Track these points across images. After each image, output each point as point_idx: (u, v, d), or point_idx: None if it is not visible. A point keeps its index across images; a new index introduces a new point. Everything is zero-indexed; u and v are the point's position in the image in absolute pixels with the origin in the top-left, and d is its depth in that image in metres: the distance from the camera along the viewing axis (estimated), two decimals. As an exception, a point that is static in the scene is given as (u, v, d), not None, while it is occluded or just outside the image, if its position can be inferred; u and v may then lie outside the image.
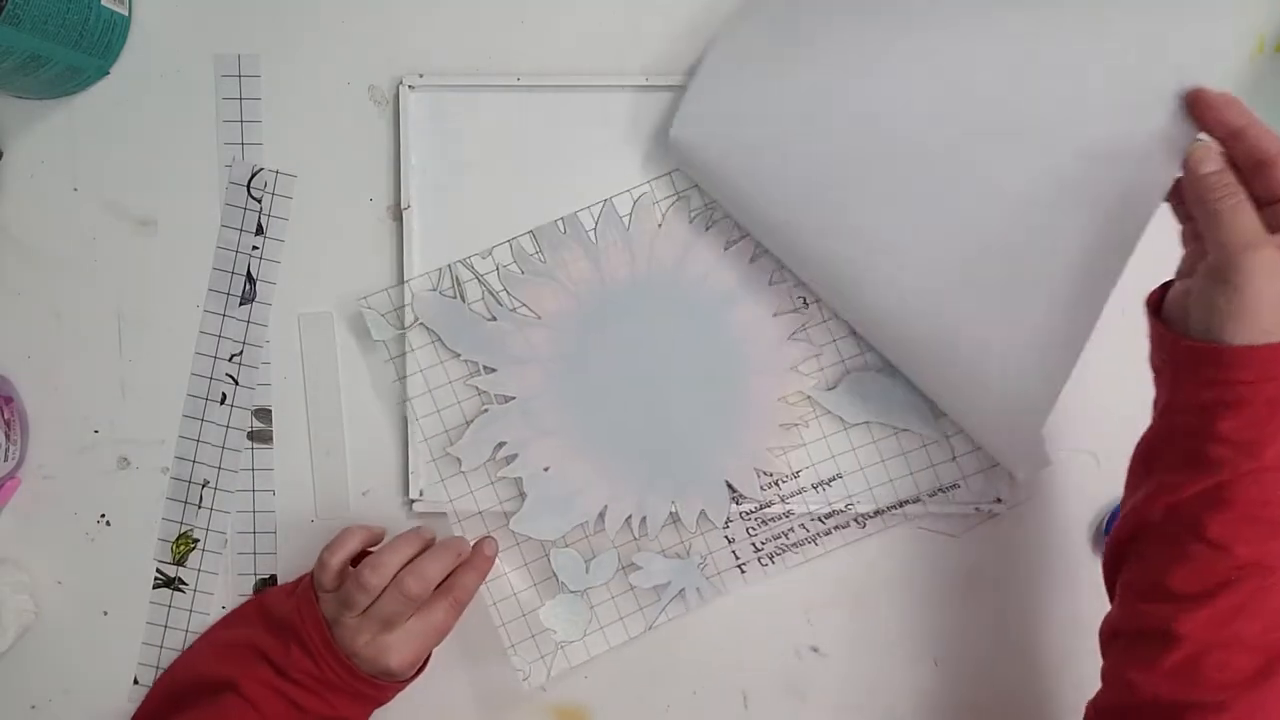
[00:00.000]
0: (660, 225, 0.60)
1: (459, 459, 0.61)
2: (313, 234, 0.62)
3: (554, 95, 0.60)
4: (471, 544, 0.59)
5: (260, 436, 0.63)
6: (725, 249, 0.60)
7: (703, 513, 0.61)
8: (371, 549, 0.58)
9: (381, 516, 0.62)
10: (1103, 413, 0.63)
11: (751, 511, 0.62)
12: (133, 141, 0.61)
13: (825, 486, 0.62)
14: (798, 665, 0.64)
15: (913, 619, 0.64)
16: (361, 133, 0.61)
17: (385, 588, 0.55)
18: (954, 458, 0.62)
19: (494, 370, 0.60)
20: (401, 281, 0.61)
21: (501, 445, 0.61)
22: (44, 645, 0.63)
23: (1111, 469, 0.63)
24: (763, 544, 0.62)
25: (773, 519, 0.62)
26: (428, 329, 0.60)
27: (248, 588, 0.63)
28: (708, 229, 0.60)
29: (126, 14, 0.60)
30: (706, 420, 0.61)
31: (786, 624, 0.64)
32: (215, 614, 0.63)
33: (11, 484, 0.62)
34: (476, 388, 0.61)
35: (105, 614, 0.63)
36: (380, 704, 0.58)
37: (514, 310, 0.60)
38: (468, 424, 0.61)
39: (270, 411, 0.62)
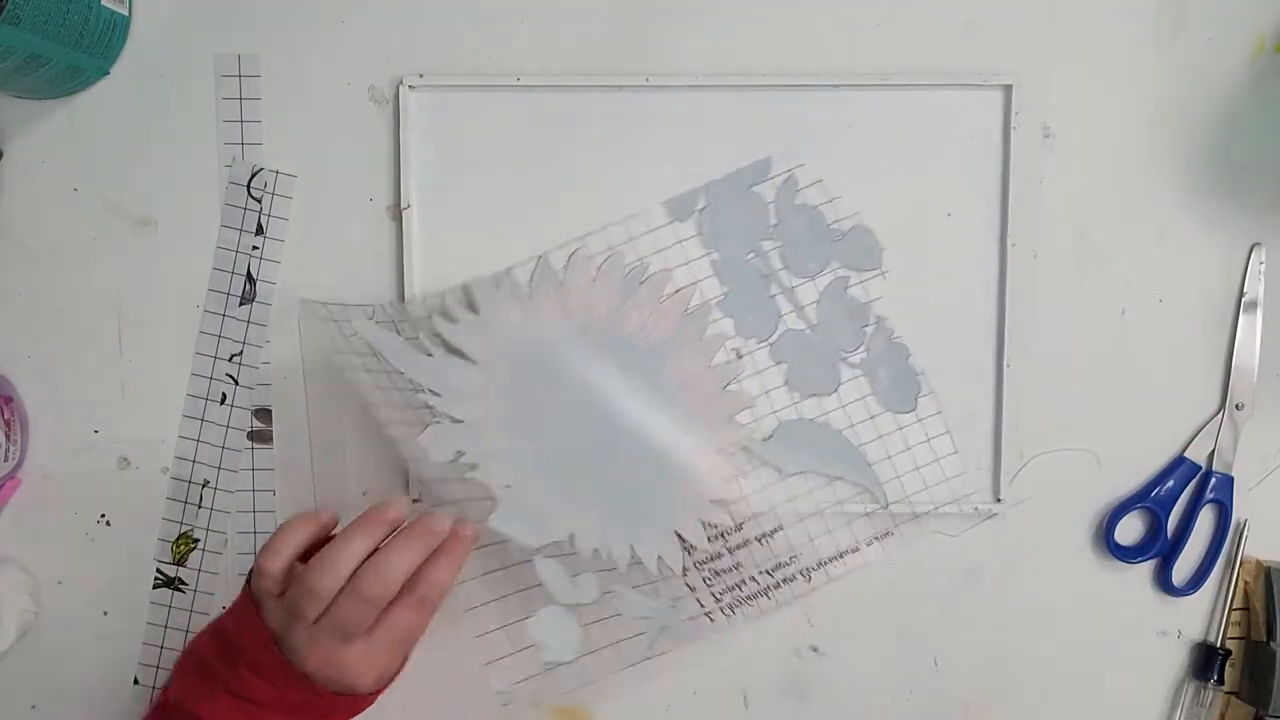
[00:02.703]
0: (595, 279, 0.60)
1: (426, 448, 0.56)
2: (313, 234, 0.61)
3: (554, 95, 0.60)
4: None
5: (260, 436, 0.63)
6: (661, 301, 0.60)
7: (660, 559, 0.59)
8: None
9: (381, 516, 0.62)
10: (1103, 412, 0.63)
11: (704, 562, 0.60)
12: (133, 141, 0.61)
13: (769, 539, 0.61)
14: (798, 665, 0.64)
15: (913, 619, 0.64)
16: (361, 133, 0.61)
17: (340, 590, 0.47)
18: (886, 506, 0.61)
19: (439, 395, 0.57)
20: (401, 285, 0.61)
21: (461, 454, 0.57)
22: (44, 645, 0.63)
23: (1111, 469, 0.63)
24: (720, 595, 0.60)
25: (724, 570, 0.60)
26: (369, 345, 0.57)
27: (248, 588, 0.63)
28: (642, 283, 0.60)
29: (126, 14, 0.60)
30: (651, 469, 0.59)
31: (786, 624, 0.64)
32: (216, 614, 0.63)
33: (11, 484, 0.62)
34: (426, 402, 0.57)
35: (105, 614, 0.63)
36: (358, 713, 0.52)
37: (449, 354, 0.58)
38: (429, 424, 0.57)
39: (270, 411, 0.62)
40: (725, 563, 0.60)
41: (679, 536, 0.59)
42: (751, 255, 0.61)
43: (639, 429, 0.59)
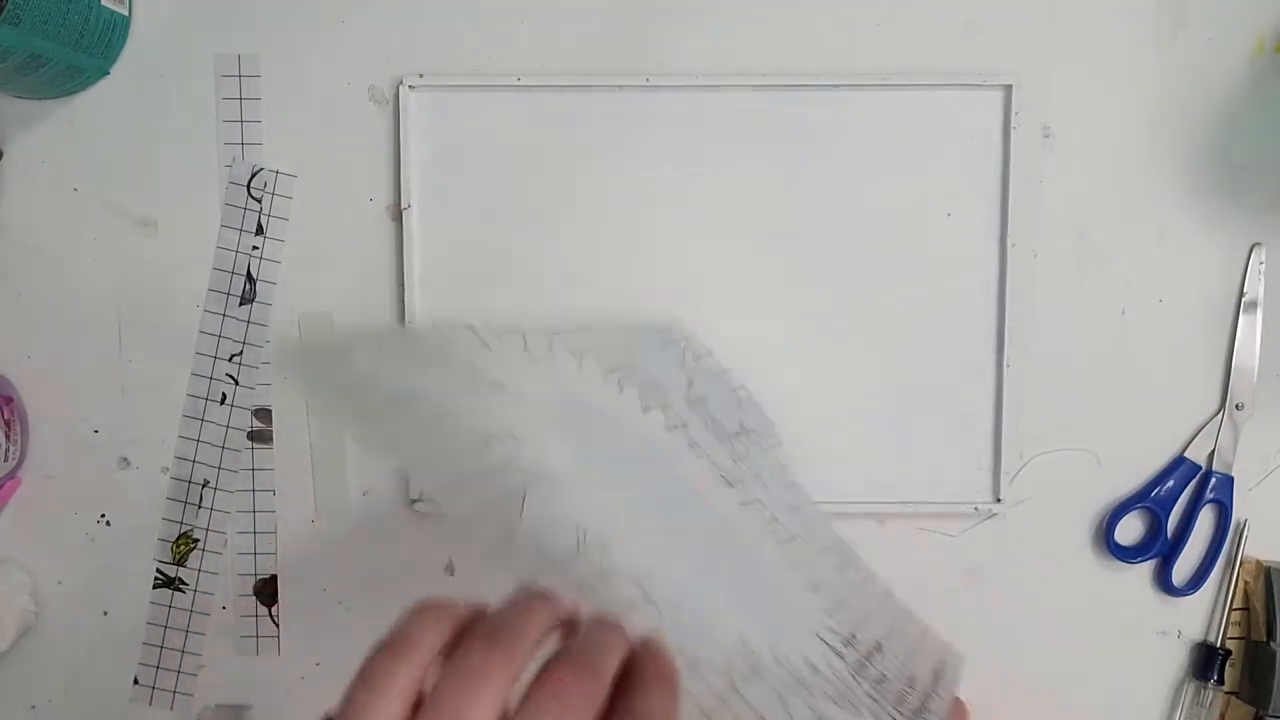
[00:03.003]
0: (580, 368, 0.46)
1: (534, 537, 0.35)
2: (313, 234, 0.61)
3: (554, 95, 0.60)
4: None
5: (260, 436, 0.63)
6: (644, 411, 0.47)
7: (827, 664, 0.45)
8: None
9: (382, 517, 0.62)
10: (1103, 412, 0.63)
11: (858, 671, 0.47)
12: (133, 141, 0.61)
13: (879, 654, 0.49)
14: (798, 665, 0.64)
15: (913, 619, 0.64)
16: (361, 133, 0.61)
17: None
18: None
19: (515, 438, 0.37)
20: (401, 285, 0.61)
21: (583, 534, 0.36)
22: (44, 645, 0.63)
23: (1112, 469, 0.63)
24: (898, 708, 0.47)
25: (880, 680, 0.47)
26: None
27: (248, 588, 0.63)
28: (622, 390, 0.47)
29: (126, 14, 0.60)
30: (757, 565, 0.47)
31: (787, 624, 0.63)
32: (215, 614, 0.63)
33: (11, 484, 0.62)
34: (496, 452, 0.36)
35: (105, 614, 0.63)
36: None
37: (491, 388, 0.39)
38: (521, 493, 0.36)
39: (270, 411, 0.62)
40: (874, 672, 0.47)
41: (822, 639, 0.46)
42: (686, 408, 0.52)
43: (715, 545, 0.45)
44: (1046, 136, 0.61)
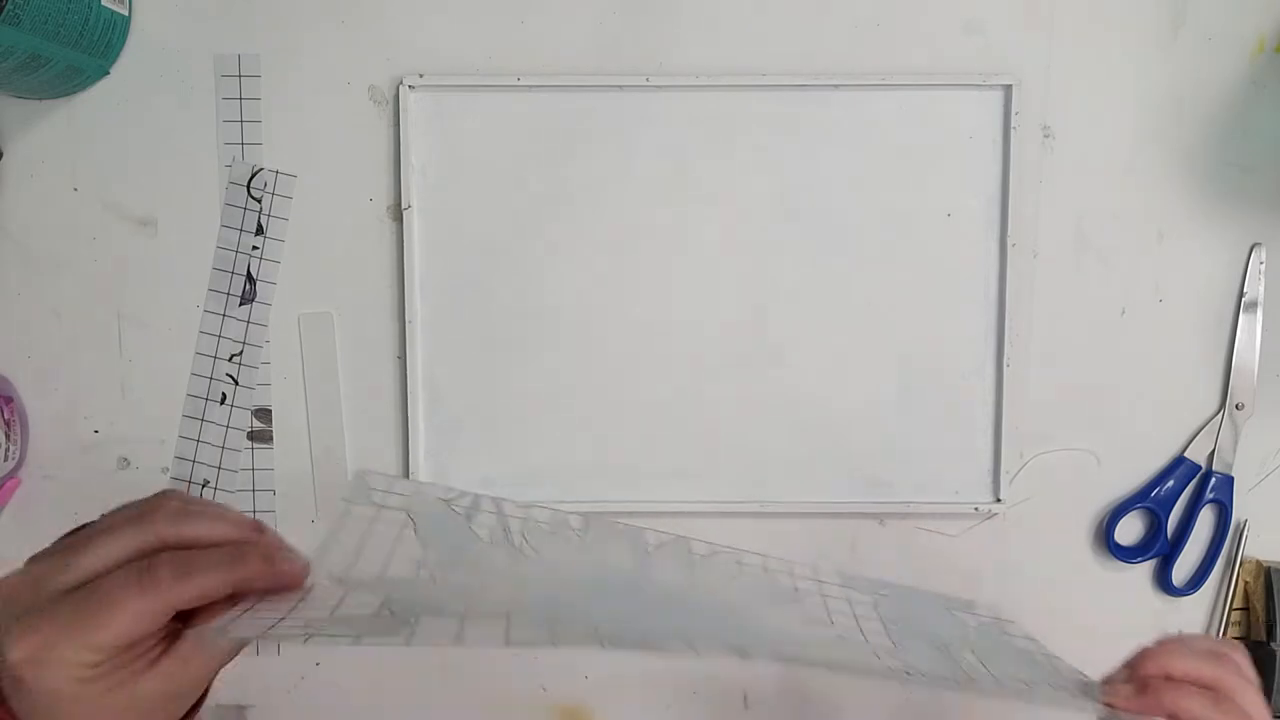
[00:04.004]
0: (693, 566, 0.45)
1: None
2: (313, 234, 0.61)
3: (554, 95, 0.60)
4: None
5: (260, 436, 0.63)
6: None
7: None
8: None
9: (381, 516, 0.62)
10: (1103, 412, 0.63)
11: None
12: (133, 141, 0.61)
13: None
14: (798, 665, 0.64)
15: (913, 619, 0.64)
16: (361, 133, 0.61)
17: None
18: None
19: None
20: (401, 285, 0.61)
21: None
22: (44, 645, 0.63)
23: (1112, 469, 0.63)
24: None
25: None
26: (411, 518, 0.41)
27: (248, 588, 0.63)
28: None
29: (126, 14, 0.60)
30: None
31: (786, 624, 0.63)
32: (215, 614, 0.63)
33: (11, 484, 0.62)
34: None
35: (105, 614, 0.63)
36: None
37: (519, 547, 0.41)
38: None
39: (270, 411, 0.62)
40: None
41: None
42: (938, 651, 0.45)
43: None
44: (1046, 136, 0.61)
